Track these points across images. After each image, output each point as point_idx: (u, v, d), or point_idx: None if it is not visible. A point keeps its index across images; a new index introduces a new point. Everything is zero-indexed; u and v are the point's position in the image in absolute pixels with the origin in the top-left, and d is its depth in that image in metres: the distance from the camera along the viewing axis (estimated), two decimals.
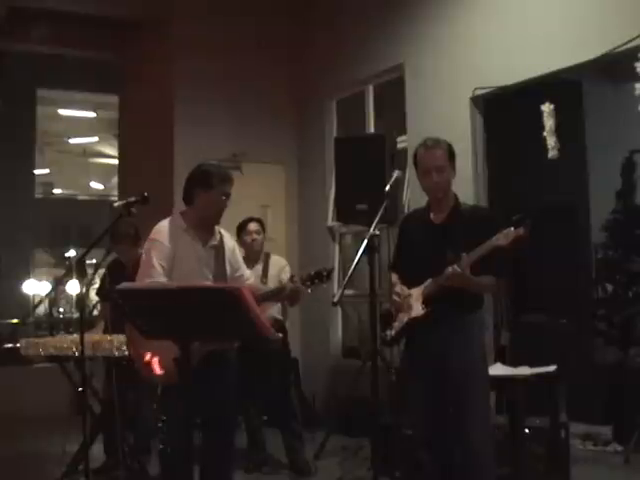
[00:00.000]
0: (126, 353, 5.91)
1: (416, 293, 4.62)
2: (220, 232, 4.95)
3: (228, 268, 4.84)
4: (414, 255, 4.73)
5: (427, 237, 4.68)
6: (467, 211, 4.73)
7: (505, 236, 4.24)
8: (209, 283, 4.60)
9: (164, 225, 4.87)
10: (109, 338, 6.15)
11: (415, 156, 4.78)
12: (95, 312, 7.59)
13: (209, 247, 4.81)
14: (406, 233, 4.93)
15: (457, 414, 4.50)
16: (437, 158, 4.66)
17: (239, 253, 5.10)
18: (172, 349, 4.34)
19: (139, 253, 6.71)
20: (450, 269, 4.33)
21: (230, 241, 4.99)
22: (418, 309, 4.57)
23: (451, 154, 4.73)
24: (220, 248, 4.84)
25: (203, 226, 4.83)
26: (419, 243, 4.71)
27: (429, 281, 4.55)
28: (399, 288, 4.73)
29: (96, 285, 7.23)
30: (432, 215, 4.73)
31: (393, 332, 4.74)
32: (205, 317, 3.67)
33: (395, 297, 4.71)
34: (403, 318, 4.67)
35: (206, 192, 4.78)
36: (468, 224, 4.57)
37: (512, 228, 4.23)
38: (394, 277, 4.88)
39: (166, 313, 3.71)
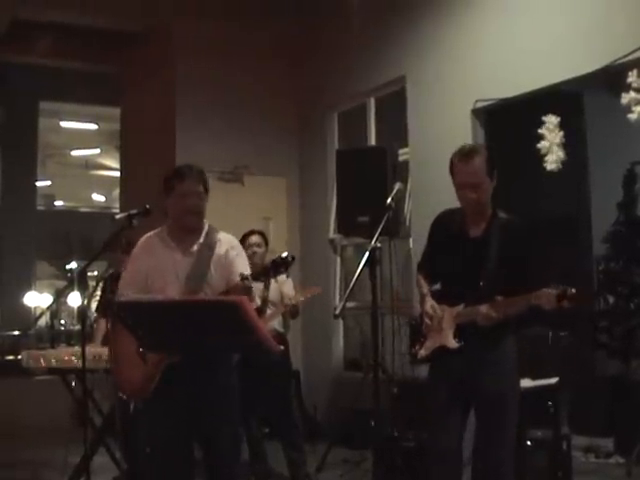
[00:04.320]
0: None
1: (448, 316, 4.42)
2: (215, 237, 4.72)
3: (214, 274, 4.61)
4: (446, 268, 4.53)
5: (461, 252, 4.45)
6: (503, 225, 4.45)
7: (546, 301, 3.99)
8: (210, 296, 4.52)
9: (143, 238, 4.81)
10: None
11: (451, 164, 4.45)
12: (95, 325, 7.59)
13: (189, 254, 4.64)
14: (438, 238, 4.66)
15: (486, 433, 4.38)
16: (474, 173, 4.33)
17: (238, 260, 4.71)
18: (139, 365, 4.34)
19: None
20: (485, 310, 4.18)
21: (224, 247, 4.70)
22: (451, 341, 4.38)
23: (491, 164, 4.39)
24: (203, 253, 4.64)
25: (182, 233, 4.67)
26: (452, 257, 4.49)
27: (461, 308, 4.36)
28: (430, 307, 4.50)
29: (97, 298, 7.25)
30: (467, 225, 4.48)
31: (424, 352, 4.53)
32: (206, 330, 3.67)
33: (427, 320, 4.48)
34: (435, 341, 4.47)
35: (168, 197, 4.64)
36: (504, 240, 4.35)
37: (554, 292, 3.95)
38: (422, 281, 4.67)
39: (167, 326, 3.71)
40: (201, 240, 4.68)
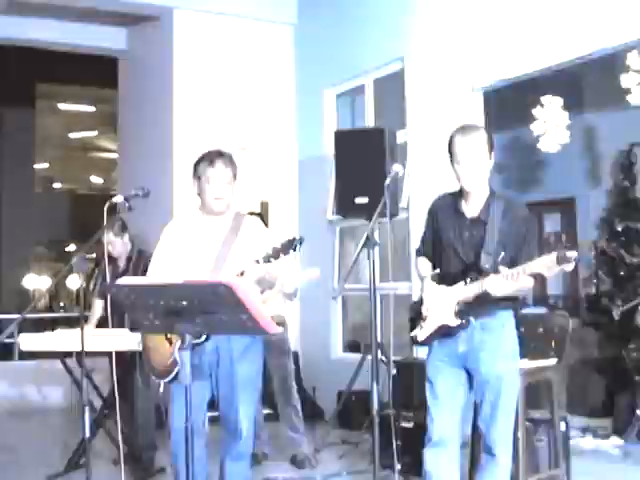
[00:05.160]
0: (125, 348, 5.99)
1: (448, 295, 4.42)
2: (241, 221, 4.85)
3: (238, 257, 4.68)
4: (444, 249, 4.53)
5: (459, 232, 4.47)
6: (501, 204, 4.45)
7: (548, 268, 3.98)
8: (205, 277, 4.56)
9: (176, 217, 5.01)
10: (110, 332, 6.16)
11: (450, 142, 4.47)
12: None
13: (215, 237, 4.76)
14: (436, 222, 4.67)
15: (485, 413, 4.40)
16: (474, 148, 4.37)
17: (261, 242, 4.73)
18: (165, 346, 4.44)
19: (127, 246, 6.86)
20: (492, 277, 4.15)
21: (249, 230, 4.83)
22: (451, 318, 4.38)
23: (489, 143, 4.43)
24: (229, 236, 4.76)
25: (210, 217, 4.82)
26: (450, 237, 4.50)
27: (461, 285, 4.37)
28: (430, 288, 4.53)
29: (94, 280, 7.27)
30: (464, 205, 4.50)
31: (423, 334, 4.53)
32: (202, 312, 3.67)
33: (427, 301, 4.51)
34: (435, 321, 4.48)
35: (197, 182, 4.79)
36: (502, 220, 4.37)
37: (555, 258, 3.94)
38: (421, 265, 4.72)
39: (163, 308, 3.72)
40: (228, 224, 4.80)
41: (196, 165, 4.80)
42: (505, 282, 4.14)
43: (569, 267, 3.94)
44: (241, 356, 4.66)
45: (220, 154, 4.81)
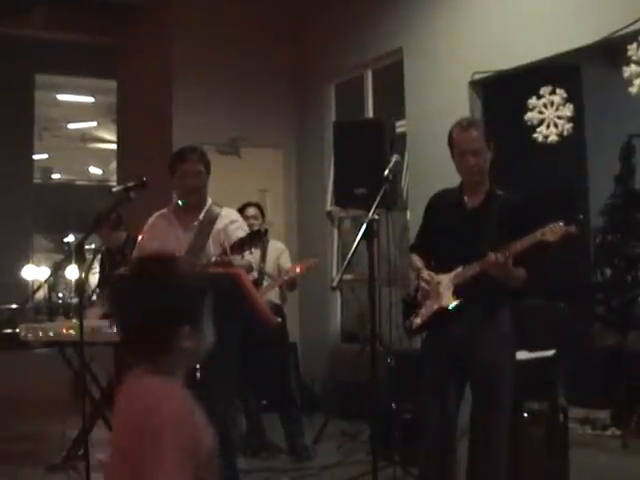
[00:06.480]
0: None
1: (445, 280, 4.43)
2: (216, 212, 4.97)
3: (213, 248, 4.80)
4: (444, 239, 4.55)
5: (459, 222, 4.49)
6: (502, 197, 4.52)
7: (553, 233, 4.03)
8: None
9: (151, 217, 5.16)
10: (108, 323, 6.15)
11: (450, 136, 4.56)
12: (94, 297, 7.60)
13: (190, 229, 4.91)
14: (435, 214, 4.72)
15: (481, 401, 4.42)
16: (474, 140, 4.46)
17: (237, 233, 4.83)
18: None
19: (122, 238, 6.88)
20: (493, 256, 4.13)
21: (223, 222, 4.95)
22: (449, 300, 4.41)
23: (487, 136, 4.54)
24: (203, 228, 4.88)
25: (185, 210, 4.98)
26: (450, 227, 4.52)
27: (459, 269, 4.38)
28: (427, 274, 4.53)
29: (96, 270, 7.27)
30: (465, 198, 4.55)
31: (419, 320, 4.56)
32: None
33: (424, 284, 4.51)
34: (432, 306, 4.49)
35: (173, 177, 4.98)
36: (503, 212, 4.40)
37: (561, 223, 4.02)
38: (415, 259, 4.71)
39: None
40: (201, 216, 4.94)
41: (170, 162, 4.98)
42: (503, 260, 4.14)
43: (574, 229, 4.01)
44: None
45: (191, 149, 4.99)
